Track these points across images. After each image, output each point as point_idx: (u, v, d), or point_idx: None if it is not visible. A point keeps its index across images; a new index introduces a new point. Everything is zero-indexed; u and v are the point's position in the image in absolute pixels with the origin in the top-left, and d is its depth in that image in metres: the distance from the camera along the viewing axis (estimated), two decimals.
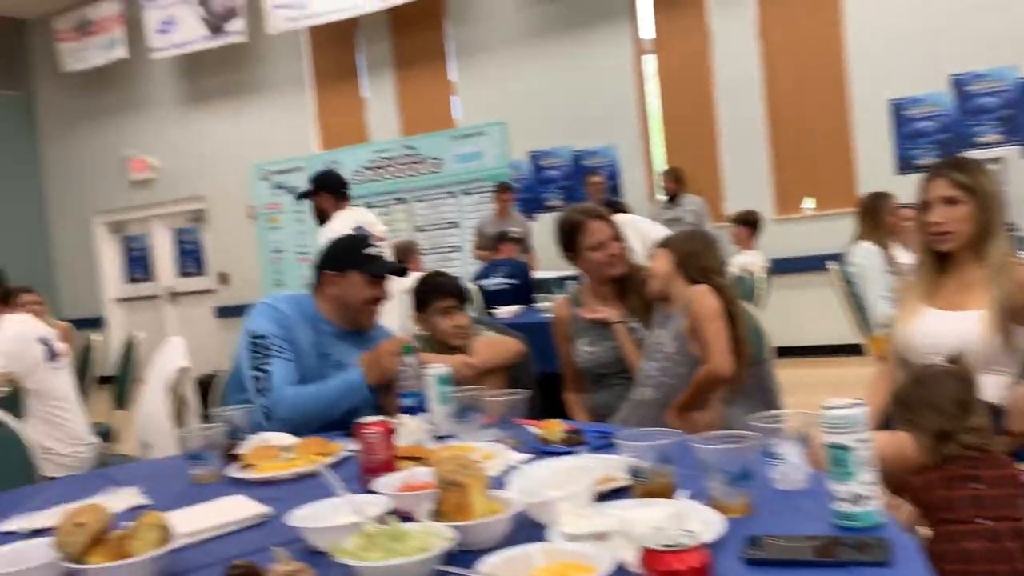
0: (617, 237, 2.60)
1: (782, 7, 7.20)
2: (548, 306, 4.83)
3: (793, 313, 6.71)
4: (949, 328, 2.00)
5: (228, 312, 9.38)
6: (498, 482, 1.40)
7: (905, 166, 6.75)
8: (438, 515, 1.19)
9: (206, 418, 3.12)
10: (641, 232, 4.52)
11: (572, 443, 1.66)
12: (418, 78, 8.62)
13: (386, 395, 2.39)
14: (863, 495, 1.12)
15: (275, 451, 1.77)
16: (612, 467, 1.36)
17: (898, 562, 1.00)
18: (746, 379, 2.33)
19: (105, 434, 3.96)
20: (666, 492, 1.26)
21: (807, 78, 7.15)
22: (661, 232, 4.01)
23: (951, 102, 6.65)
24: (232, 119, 9.48)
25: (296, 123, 9.17)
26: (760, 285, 5.04)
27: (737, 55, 7.30)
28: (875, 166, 6.79)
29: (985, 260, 2.02)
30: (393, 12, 8.21)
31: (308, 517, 1.25)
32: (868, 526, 1.11)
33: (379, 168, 8.54)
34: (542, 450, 1.66)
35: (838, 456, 1.14)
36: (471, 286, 5.45)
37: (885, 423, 1.95)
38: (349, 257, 2.38)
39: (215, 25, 8.76)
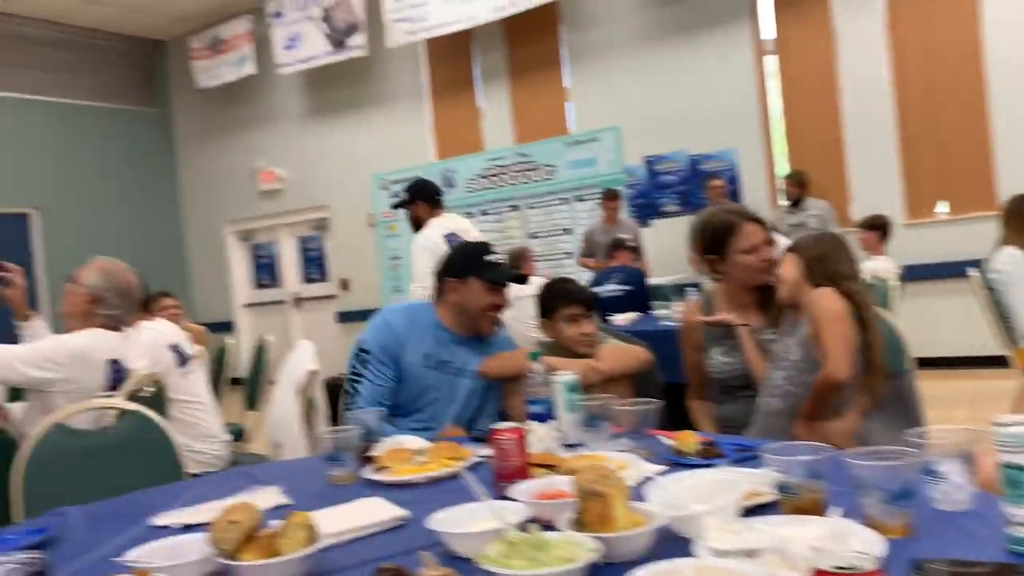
0: (770, 242, 2.47)
1: (913, 2, 6.86)
2: (666, 313, 4.75)
3: (927, 322, 6.38)
4: None
5: (349, 317, 9.67)
6: (635, 493, 1.37)
7: None
8: (579, 525, 1.17)
9: (334, 420, 3.22)
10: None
11: (709, 455, 1.61)
12: (532, 86, 8.67)
13: (510, 399, 2.40)
14: None
15: (408, 454, 1.80)
16: (757, 481, 1.31)
17: None
18: (884, 391, 2.20)
19: (237, 433, 4.13)
20: (817, 509, 1.20)
21: (940, 75, 6.78)
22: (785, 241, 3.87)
23: None
24: (353, 130, 9.78)
25: (414, 133, 9.38)
26: (892, 292, 4.80)
27: (864, 53, 7.00)
28: (1018, 168, 6.37)
29: None
30: (508, 21, 8.29)
31: (448, 521, 1.26)
32: None
33: (493, 176, 8.63)
34: (676, 462, 1.62)
35: (1014, 477, 1.06)
36: None
37: None
38: (469, 264, 2.41)
39: (337, 40, 9.07)
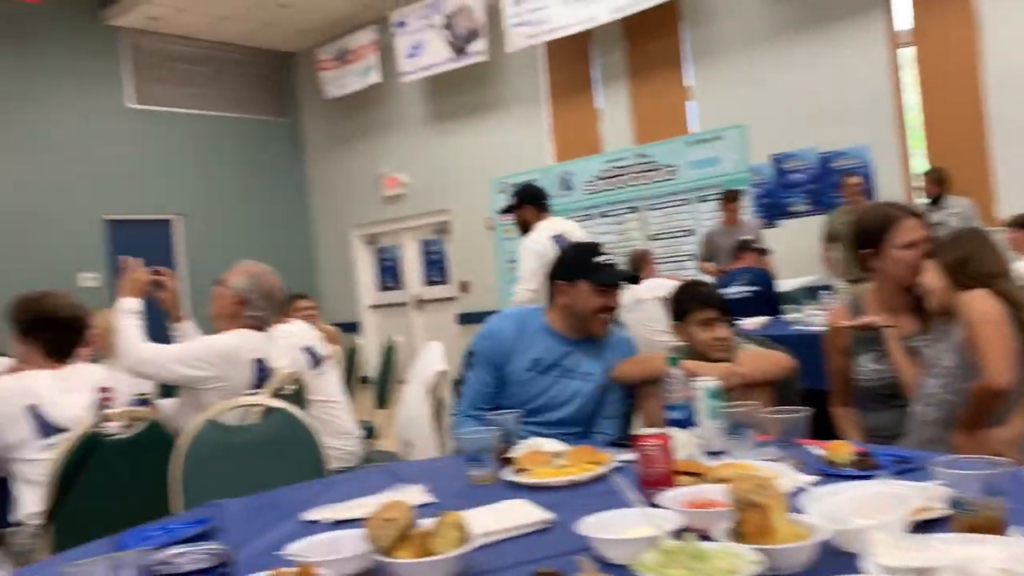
0: (929, 240, 2.32)
1: None
2: (798, 317, 4.58)
3: None
4: None
5: (469, 319, 9.82)
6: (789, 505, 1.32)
7: None
8: (738, 536, 1.14)
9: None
10: None
11: (865, 467, 1.54)
12: (652, 85, 8.56)
13: (646, 403, 2.37)
14: None
15: (547, 457, 1.80)
16: (926, 496, 1.24)
17: None
18: None
19: (368, 431, 4.25)
20: (995, 528, 1.12)
21: None
22: None
23: None
24: (472, 135, 9.93)
25: (532, 136, 9.43)
26: None
27: (1010, 42, 6.56)
28: None
29: None
30: (627, 21, 8.21)
31: (599, 527, 1.25)
32: None
33: (612, 177, 8.57)
34: (828, 473, 1.55)
35: None
36: None
37: None
38: (578, 266, 2.40)
39: (459, 47, 9.22)
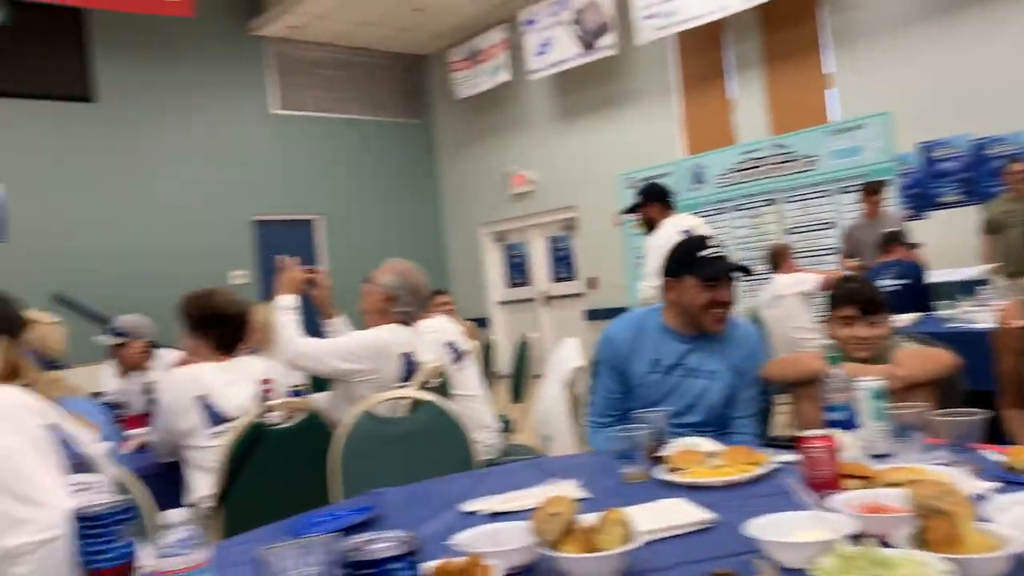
0: None
1: None
2: (953, 313, 4.33)
3: None
4: None
5: (596, 315, 9.79)
6: None
7: None
8: (922, 543, 1.09)
9: None
10: None
11: None
12: (789, 73, 8.26)
13: (801, 404, 2.30)
14: None
15: (700, 456, 1.77)
16: None
17: None
18: None
19: (505, 424, 4.32)
20: None
21: None
22: None
23: None
24: (600, 131, 9.88)
25: (661, 130, 9.29)
26: None
27: None
28: None
29: None
30: (763, 8, 7.95)
31: (768, 528, 1.22)
32: None
33: (746, 169, 8.34)
34: (1011, 480, 1.46)
35: None
36: None
37: None
38: (683, 261, 2.35)
39: (587, 42, 9.20)
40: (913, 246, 6.01)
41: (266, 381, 2.73)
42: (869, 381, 1.79)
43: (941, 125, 7.14)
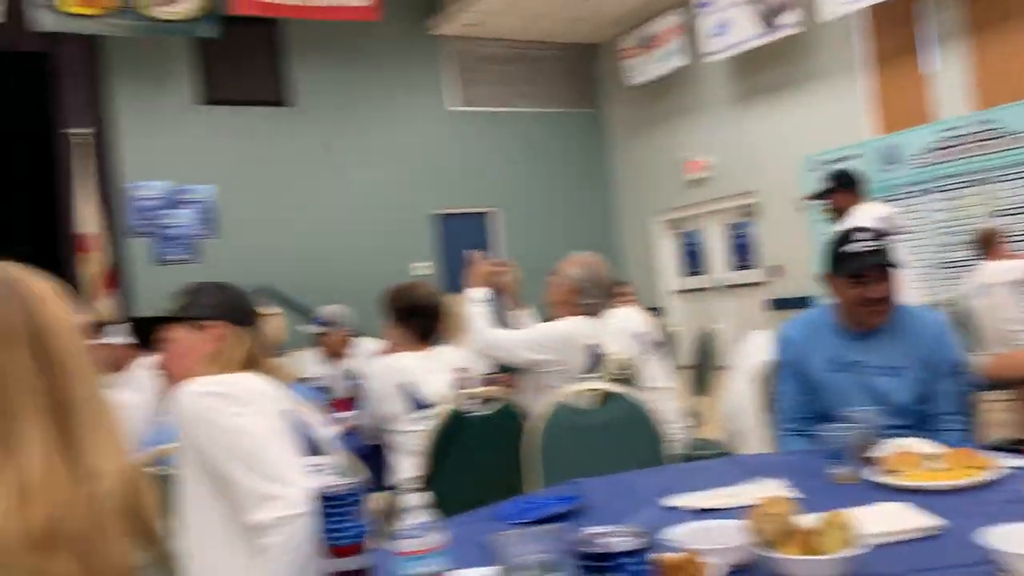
0: None
1: None
2: None
3: None
4: None
5: (780, 304, 9.43)
6: None
7: None
8: None
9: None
10: None
11: None
12: (1000, 42, 7.54)
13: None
14: None
15: (918, 459, 1.69)
16: None
17: None
18: None
19: (691, 418, 4.26)
20: None
21: None
22: None
23: None
24: (780, 112, 9.48)
25: (847, 110, 8.78)
26: None
27: None
28: None
29: None
30: None
31: (1007, 539, 1.15)
32: None
33: (946, 148, 7.74)
34: None
35: None
36: None
37: None
38: (830, 259, 2.29)
39: (768, 20, 8.85)
40: None
41: (462, 369, 2.84)
42: None
43: None
